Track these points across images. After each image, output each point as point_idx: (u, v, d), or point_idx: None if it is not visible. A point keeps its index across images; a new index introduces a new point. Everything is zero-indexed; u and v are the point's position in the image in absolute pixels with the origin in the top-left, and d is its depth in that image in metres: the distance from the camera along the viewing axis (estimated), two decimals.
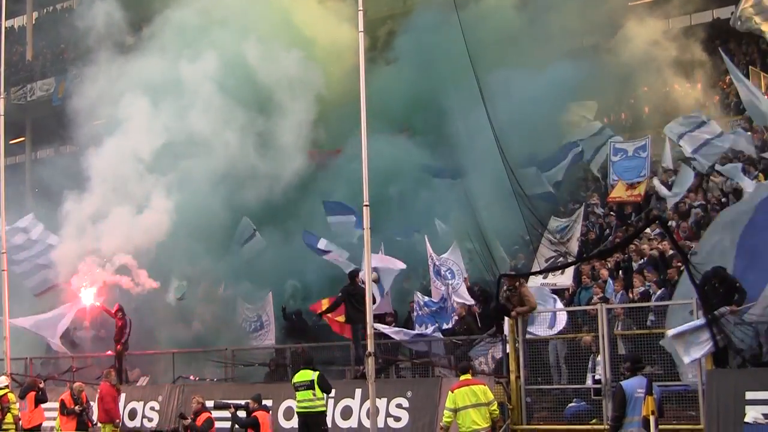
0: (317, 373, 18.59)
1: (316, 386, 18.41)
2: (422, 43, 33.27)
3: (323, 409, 18.74)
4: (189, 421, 19.95)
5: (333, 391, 19.03)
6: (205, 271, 28.11)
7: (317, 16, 33.84)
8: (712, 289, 16.19)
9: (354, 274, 22.91)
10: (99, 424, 22.37)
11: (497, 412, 16.53)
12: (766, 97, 28.62)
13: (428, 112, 32.15)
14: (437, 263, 23.50)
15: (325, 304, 24.19)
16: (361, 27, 19.31)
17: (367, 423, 18.98)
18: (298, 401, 18.60)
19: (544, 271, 22.45)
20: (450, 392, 16.33)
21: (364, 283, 20.21)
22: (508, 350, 18.79)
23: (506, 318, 18.90)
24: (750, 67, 33.80)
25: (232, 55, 30.72)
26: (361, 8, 19.45)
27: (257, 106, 30.61)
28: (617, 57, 32.54)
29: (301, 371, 18.76)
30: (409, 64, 33.12)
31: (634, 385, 13.84)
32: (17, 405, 22.72)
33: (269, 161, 29.86)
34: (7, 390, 22.78)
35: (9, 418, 22.39)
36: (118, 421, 22.67)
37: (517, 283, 19.02)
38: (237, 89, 30.29)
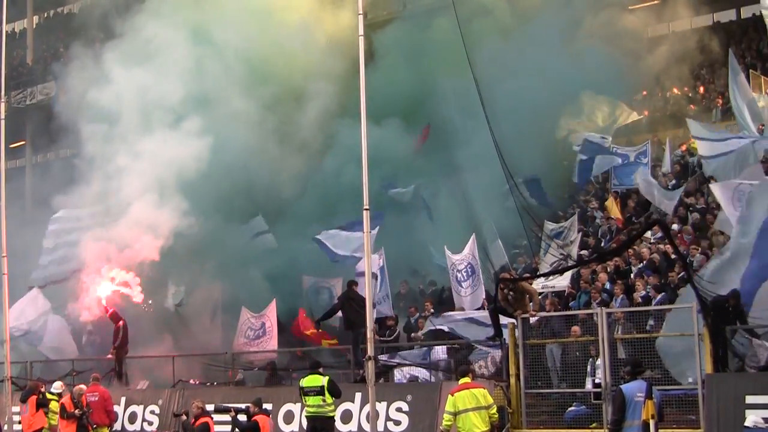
0: (327, 378, 18.57)
1: (326, 392, 18.40)
2: (414, 41, 33.41)
3: (333, 414, 18.70)
4: (185, 417, 19.96)
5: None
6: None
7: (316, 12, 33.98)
8: (723, 310, 16.25)
9: (352, 283, 23.04)
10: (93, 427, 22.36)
11: (496, 417, 16.52)
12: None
13: (422, 112, 32.21)
14: (458, 265, 23.45)
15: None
16: (361, 31, 19.28)
17: (367, 427, 18.99)
18: (308, 406, 18.54)
19: (543, 275, 22.46)
20: (450, 395, 16.31)
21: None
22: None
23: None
24: (750, 70, 33.82)
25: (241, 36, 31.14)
26: (361, 12, 19.43)
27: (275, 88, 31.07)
28: (616, 60, 32.54)
29: (310, 376, 18.68)
30: (402, 63, 33.12)
31: (634, 389, 13.83)
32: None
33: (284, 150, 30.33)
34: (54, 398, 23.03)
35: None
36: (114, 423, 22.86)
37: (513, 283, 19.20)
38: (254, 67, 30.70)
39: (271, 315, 25.55)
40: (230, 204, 29.22)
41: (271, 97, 30.96)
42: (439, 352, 21.87)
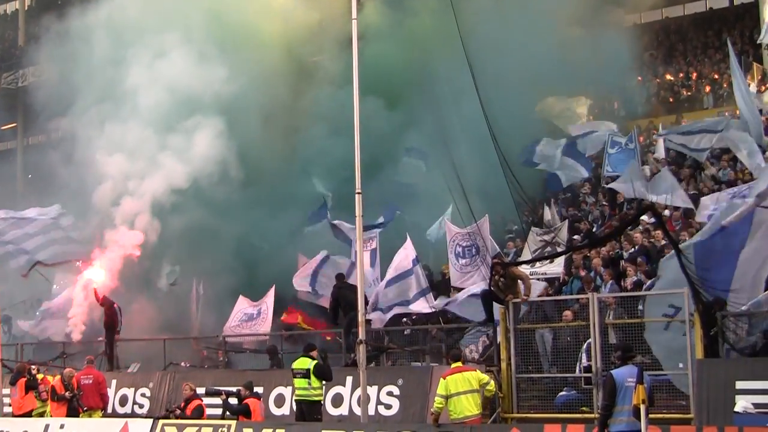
0: (314, 362, 18.56)
1: (312, 375, 18.40)
2: (398, 19, 33.35)
3: (318, 398, 18.74)
4: (178, 412, 19.96)
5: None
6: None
7: None
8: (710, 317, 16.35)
9: (341, 276, 23.08)
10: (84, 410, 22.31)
11: (493, 390, 16.63)
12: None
13: (406, 91, 32.07)
14: (460, 240, 23.21)
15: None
16: (354, 14, 19.19)
17: (358, 410, 18.97)
18: (294, 388, 18.63)
19: (536, 260, 22.45)
20: (442, 379, 16.36)
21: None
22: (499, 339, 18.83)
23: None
24: (743, 57, 33.87)
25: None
26: None
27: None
28: (610, 46, 32.46)
29: (300, 358, 18.73)
30: (386, 41, 32.99)
31: (625, 374, 13.83)
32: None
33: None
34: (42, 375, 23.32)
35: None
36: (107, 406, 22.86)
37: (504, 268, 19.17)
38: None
39: (268, 300, 25.40)
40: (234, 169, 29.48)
41: (263, 65, 31.13)
42: None
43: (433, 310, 22.53)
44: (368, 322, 21.61)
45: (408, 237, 23.34)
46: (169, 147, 28.30)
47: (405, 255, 22.83)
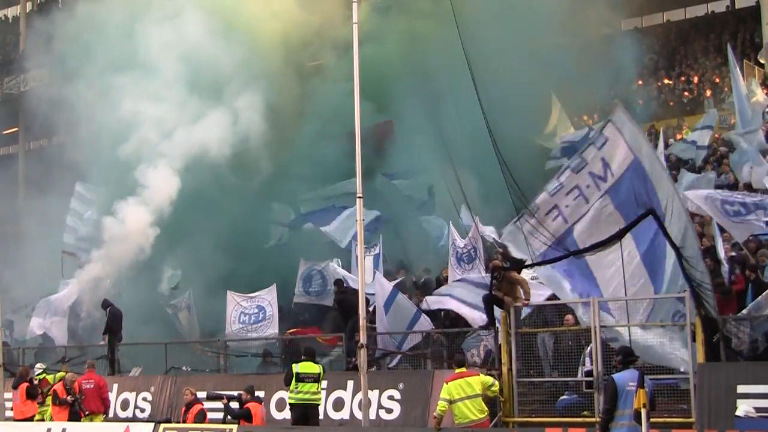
0: (322, 366, 18.79)
1: (321, 380, 18.57)
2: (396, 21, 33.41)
3: (320, 402, 18.97)
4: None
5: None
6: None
7: None
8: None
9: (339, 282, 23.09)
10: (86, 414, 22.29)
11: (497, 391, 16.67)
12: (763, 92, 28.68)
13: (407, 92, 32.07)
14: (459, 248, 23.22)
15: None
16: (355, 18, 19.21)
17: (359, 414, 18.97)
18: (299, 392, 18.47)
19: (538, 264, 22.38)
20: (445, 383, 16.41)
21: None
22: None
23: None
24: (744, 60, 33.88)
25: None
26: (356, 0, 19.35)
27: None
28: (610, 50, 32.46)
29: (306, 362, 18.68)
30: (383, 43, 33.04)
31: (626, 378, 13.82)
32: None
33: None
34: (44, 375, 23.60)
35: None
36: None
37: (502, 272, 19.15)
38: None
39: (271, 300, 25.21)
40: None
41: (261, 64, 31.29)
42: None
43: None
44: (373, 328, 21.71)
45: (375, 273, 23.21)
46: (204, 113, 28.70)
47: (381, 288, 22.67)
